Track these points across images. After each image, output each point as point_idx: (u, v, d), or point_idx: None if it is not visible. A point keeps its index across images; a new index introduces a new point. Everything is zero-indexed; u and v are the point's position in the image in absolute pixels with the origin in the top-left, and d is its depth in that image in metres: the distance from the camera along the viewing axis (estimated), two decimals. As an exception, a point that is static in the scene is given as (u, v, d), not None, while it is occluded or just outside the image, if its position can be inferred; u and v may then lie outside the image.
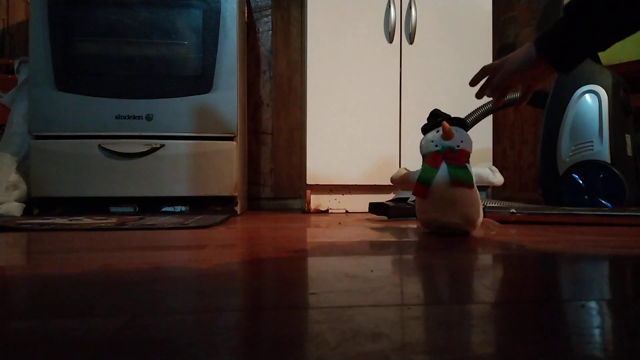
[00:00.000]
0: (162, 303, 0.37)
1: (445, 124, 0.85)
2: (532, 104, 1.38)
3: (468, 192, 0.83)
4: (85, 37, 1.34)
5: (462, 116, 1.40)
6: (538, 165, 1.33)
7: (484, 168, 0.89)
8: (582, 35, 0.67)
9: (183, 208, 1.37)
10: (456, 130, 0.87)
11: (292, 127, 1.85)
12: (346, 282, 0.45)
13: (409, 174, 0.93)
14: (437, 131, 0.88)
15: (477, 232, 0.89)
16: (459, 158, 0.84)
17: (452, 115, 0.93)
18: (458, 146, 0.86)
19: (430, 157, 0.86)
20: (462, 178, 0.82)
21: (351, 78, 1.45)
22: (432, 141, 0.88)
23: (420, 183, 0.85)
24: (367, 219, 1.22)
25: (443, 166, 0.84)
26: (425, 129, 0.93)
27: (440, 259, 0.60)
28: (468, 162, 0.87)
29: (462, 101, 1.46)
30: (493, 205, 1.15)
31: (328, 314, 0.34)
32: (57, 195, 1.31)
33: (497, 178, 0.89)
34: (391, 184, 0.95)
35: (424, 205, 0.87)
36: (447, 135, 0.86)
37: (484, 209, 1.12)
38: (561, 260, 0.60)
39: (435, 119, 0.92)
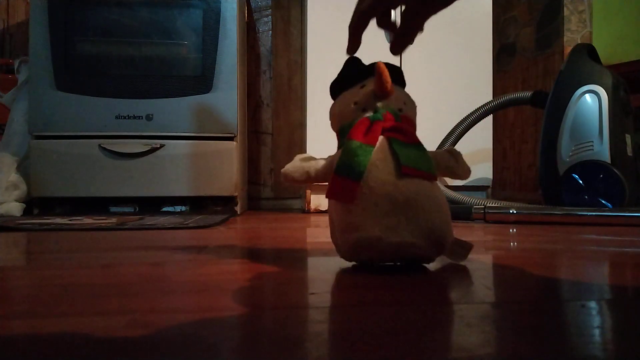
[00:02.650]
0: (162, 303, 0.37)
1: (382, 66, 0.49)
2: (532, 104, 1.38)
3: (429, 187, 0.48)
4: (85, 37, 1.34)
5: (462, 117, 1.40)
6: (538, 165, 1.34)
7: (440, 151, 0.56)
8: None
9: (183, 208, 1.37)
10: (397, 88, 0.53)
11: (292, 127, 1.85)
12: (346, 282, 0.45)
13: (315, 164, 0.53)
14: (362, 86, 0.52)
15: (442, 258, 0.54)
16: (406, 129, 0.49)
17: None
18: (400, 110, 0.52)
19: (357, 128, 0.49)
20: (417, 162, 0.48)
21: (351, 78, 1.45)
22: (355, 103, 0.52)
23: (343, 176, 0.47)
24: (367, 219, 1.22)
25: (382, 144, 0.48)
26: (337, 87, 0.56)
27: (439, 259, 0.60)
28: None
29: (462, 101, 1.46)
30: (493, 205, 1.15)
31: (328, 314, 0.34)
32: (57, 195, 1.31)
33: (462, 167, 0.55)
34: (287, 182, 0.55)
35: (349, 216, 0.48)
36: (383, 89, 0.49)
37: (483, 210, 1.12)
38: (561, 260, 0.60)
39: (356, 67, 0.55)
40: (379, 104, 0.50)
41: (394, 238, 0.45)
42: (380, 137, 0.48)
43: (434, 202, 0.47)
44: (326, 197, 0.49)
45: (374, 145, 0.47)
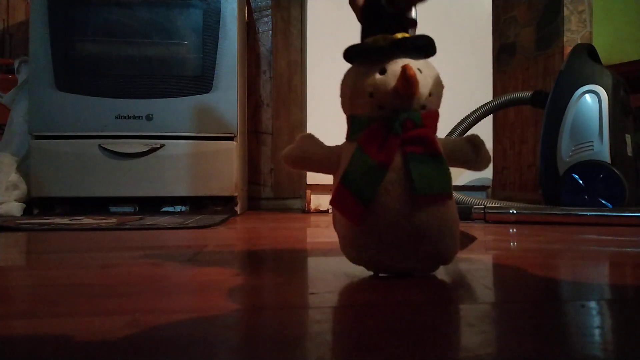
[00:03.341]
0: (162, 303, 0.37)
1: (410, 69, 0.42)
2: (532, 104, 1.38)
3: (442, 210, 0.44)
4: (85, 37, 1.34)
5: (462, 117, 1.40)
6: (538, 165, 1.34)
7: (460, 140, 0.49)
8: None
9: (183, 208, 1.37)
10: (420, 71, 0.44)
11: (292, 127, 1.85)
12: (346, 282, 0.45)
13: (320, 155, 0.49)
14: (383, 72, 0.44)
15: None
16: (426, 136, 0.44)
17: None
18: (424, 106, 0.45)
19: (371, 137, 0.44)
20: (433, 183, 0.43)
21: (351, 78, 1.45)
22: (372, 95, 0.44)
23: (349, 190, 0.43)
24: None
25: (397, 161, 0.43)
26: (354, 52, 0.47)
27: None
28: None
29: (462, 102, 1.46)
30: (493, 205, 1.15)
31: (328, 314, 0.34)
32: (57, 195, 1.31)
33: (482, 160, 0.48)
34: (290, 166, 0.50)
35: (352, 232, 0.45)
36: (408, 91, 0.42)
37: (483, 210, 1.12)
38: (561, 260, 0.60)
39: (380, 31, 0.46)
40: (402, 105, 0.44)
41: (395, 263, 0.45)
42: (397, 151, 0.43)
43: (444, 227, 0.44)
44: (330, 204, 0.46)
45: (387, 165, 0.42)
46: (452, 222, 0.45)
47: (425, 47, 0.46)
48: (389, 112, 0.44)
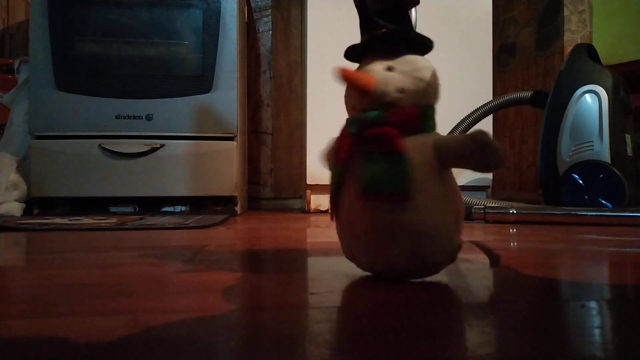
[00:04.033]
0: (161, 303, 0.37)
1: (346, 74, 0.42)
2: (532, 104, 1.38)
3: (396, 211, 0.41)
4: (85, 37, 1.34)
5: (462, 117, 1.40)
6: (538, 165, 1.34)
7: (463, 138, 0.42)
8: None
9: (183, 208, 1.37)
10: (390, 68, 0.44)
11: (292, 127, 1.85)
12: (346, 282, 0.45)
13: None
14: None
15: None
16: (387, 134, 0.41)
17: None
18: (391, 104, 0.43)
19: (336, 139, 0.47)
20: (382, 182, 0.41)
21: (351, 78, 1.44)
22: (346, 97, 0.47)
23: (330, 193, 0.46)
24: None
25: (357, 160, 0.43)
26: (354, 52, 0.48)
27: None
28: (432, 124, 0.44)
29: (462, 102, 1.46)
30: (493, 205, 1.15)
31: (328, 314, 0.34)
32: (57, 195, 1.31)
33: (487, 159, 0.41)
34: None
35: (339, 231, 0.48)
36: (363, 89, 0.42)
37: (483, 210, 1.12)
38: (561, 260, 0.60)
39: (372, 27, 0.45)
40: (363, 105, 0.44)
41: (373, 265, 0.45)
42: (359, 151, 0.43)
43: (401, 229, 0.41)
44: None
45: (341, 165, 0.44)
46: (414, 222, 0.41)
47: (413, 43, 0.45)
48: (352, 128, 0.45)
